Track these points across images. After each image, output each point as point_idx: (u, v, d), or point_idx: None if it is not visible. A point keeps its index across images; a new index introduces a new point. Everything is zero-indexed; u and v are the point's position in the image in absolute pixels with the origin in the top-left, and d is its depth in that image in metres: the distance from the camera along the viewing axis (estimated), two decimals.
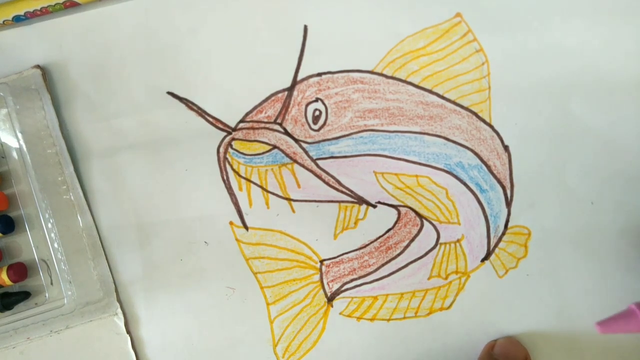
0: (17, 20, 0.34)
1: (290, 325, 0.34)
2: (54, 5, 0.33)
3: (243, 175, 0.34)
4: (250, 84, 0.33)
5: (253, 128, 0.34)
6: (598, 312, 0.32)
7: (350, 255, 0.34)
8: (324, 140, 0.33)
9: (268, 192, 0.34)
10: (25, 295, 0.34)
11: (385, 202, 0.33)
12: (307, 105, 0.33)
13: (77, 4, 0.33)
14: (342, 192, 0.33)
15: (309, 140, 0.33)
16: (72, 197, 0.34)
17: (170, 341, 0.35)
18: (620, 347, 0.32)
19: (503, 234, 0.33)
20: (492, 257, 0.33)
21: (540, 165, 0.32)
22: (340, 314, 0.34)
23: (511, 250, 0.33)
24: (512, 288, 0.32)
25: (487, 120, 0.32)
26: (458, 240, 0.33)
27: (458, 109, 0.32)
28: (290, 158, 0.33)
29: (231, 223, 0.34)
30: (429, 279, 0.33)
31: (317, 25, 0.33)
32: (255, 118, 0.33)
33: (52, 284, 0.34)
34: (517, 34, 0.32)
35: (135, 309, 0.35)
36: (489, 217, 0.33)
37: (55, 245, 0.34)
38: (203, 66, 0.34)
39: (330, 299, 0.34)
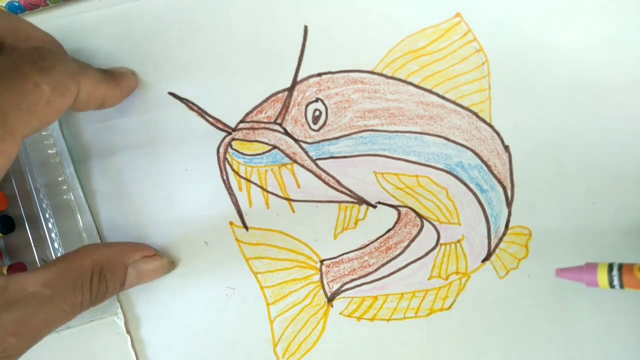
0: (10, 7, 0.33)
1: (290, 326, 0.34)
2: None
3: (243, 175, 0.34)
4: (250, 84, 0.33)
5: (253, 128, 0.34)
6: (600, 313, 0.31)
7: (350, 255, 0.34)
8: (323, 141, 0.33)
9: (268, 192, 0.34)
10: None
11: (385, 202, 0.33)
12: (307, 105, 0.33)
13: None
14: (342, 192, 0.33)
15: (308, 140, 0.33)
16: (72, 197, 0.34)
17: (170, 341, 0.35)
18: (622, 352, 0.31)
19: (504, 234, 0.33)
20: (493, 257, 0.33)
21: (541, 165, 0.32)
22: (340, 314, 0.34)
23: (512, 251, 0.32)
24: (513, 289, 0.32)
25: (488, 120, 0.32)
26: (458, 241, 0.33)
27: (458, 109, 0.32)
28: (290, 158, 0.33)
29: (231, 223, 0.34)
30: (429, 279, 0.33)
31: (317, 25, 0.33)
32: (255, 118, 0.33)
33: None
34: (517, 33, 0.31)
35: (135, 309, 0.35)
36: (489, 217, 0.33)
37: (55, 245, 0.34)
38: (203, 66, 0.34)
39: (331, 299, 0.34)
